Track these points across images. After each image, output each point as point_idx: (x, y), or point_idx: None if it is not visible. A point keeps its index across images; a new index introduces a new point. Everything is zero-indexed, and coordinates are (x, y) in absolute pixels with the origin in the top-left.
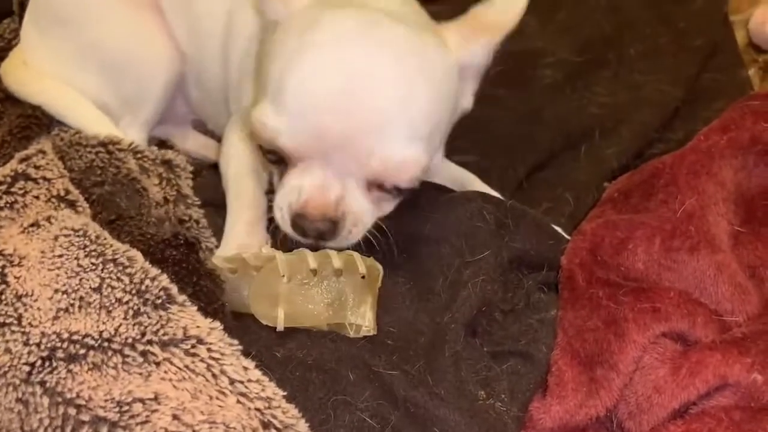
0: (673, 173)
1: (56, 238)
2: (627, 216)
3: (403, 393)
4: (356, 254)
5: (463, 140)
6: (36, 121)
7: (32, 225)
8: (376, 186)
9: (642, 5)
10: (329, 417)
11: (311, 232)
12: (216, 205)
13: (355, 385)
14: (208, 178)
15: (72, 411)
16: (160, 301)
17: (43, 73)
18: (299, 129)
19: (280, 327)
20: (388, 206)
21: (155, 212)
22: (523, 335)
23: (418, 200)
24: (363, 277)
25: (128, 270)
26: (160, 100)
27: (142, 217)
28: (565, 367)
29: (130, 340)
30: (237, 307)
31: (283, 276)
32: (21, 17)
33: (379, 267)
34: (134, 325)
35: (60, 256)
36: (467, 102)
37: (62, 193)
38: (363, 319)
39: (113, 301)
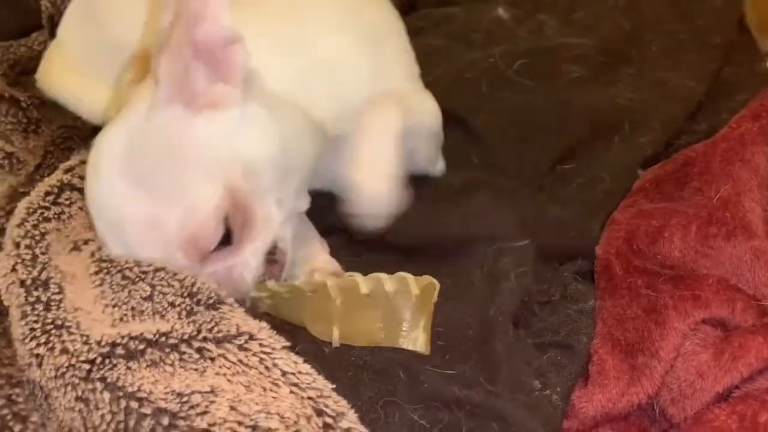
0: (706, 161)
1: (92, 254)
2: (662, 204)
3: (457, 392)
4: (409, 276)
5: (500, 118)
6: (77, 132)
7: (73, 248)
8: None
9: (660, 3)
10: (380, 416)
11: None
12: None
13: (407, 385)
14: None
15: (134, 404)
16: (211, 301)
17: (82, 77)
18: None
19: (336, 344)
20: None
21: None
22: (562, 326)
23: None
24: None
25: (178, 276)
26: None
27: None
28: (606, 356)
29: (186, 337)
30: (293, 321)
31: (336, 300)
32: (50, 30)
33: (435, 283)
34: (189, 323)
35: (97, 272)
36: (234, 95)
37: None
38: (415, 345)
39: (165, 305)
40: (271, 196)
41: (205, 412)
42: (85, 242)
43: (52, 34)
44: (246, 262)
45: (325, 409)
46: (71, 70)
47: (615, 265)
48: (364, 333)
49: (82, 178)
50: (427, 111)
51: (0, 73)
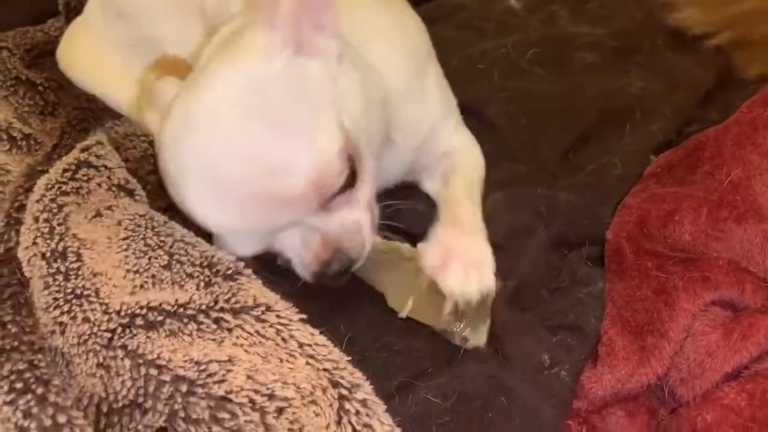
0: (717, 145)
1: (120, 222)
2: (673, 189)
3: (470, 365)
4: None
5: (513, 106)
6: (92, 114)
7: (95, 216)
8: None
9: None
10: (393, 396)
11: (336, 274)
12: None
13: (420, 362)
14: None
15: (154, 371)
16: (230, 272)
17: (104, 61)
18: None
19: (403, 315)
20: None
21: None
22: (571, 309)
23: None
24: None
25: (198, 247)
26: None
27: None
28: (615, 337)
29: (203, 307)
30: (374, 283)
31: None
32: (66, 17)
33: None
34: (207, 294)
35: (125, 238)
36: (333, 46)
37: (122, 182)
38: (481, 339)
39: (184, 276)
40: (367, 146)
41: (222, 380)
42: (108, 208)
43: (69, 20)
44: (363, 214)
45: (340, 380)
46: (95, 54)
47: (625, 249)
48: (435, 314)
49: (98, 156)
50: (472, 155)
51: (17, 56)
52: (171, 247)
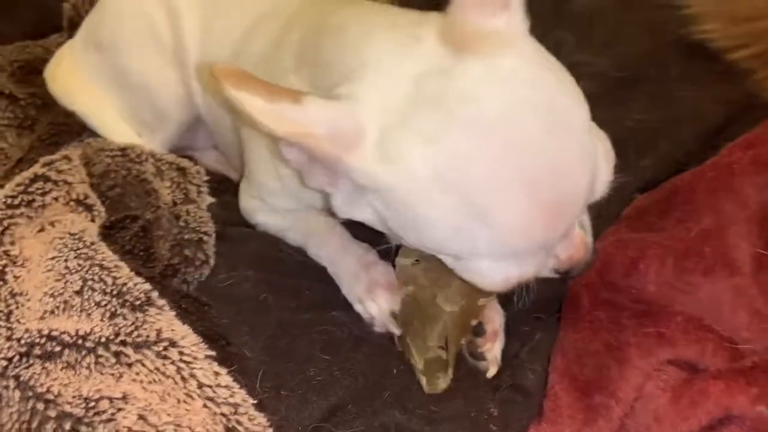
0: (691, 190)
1: (52, 240)
2: (640, 235)
3: (398, 416)
4: None
5: None
6: (66, 128)
7: (40, 230)
8: None
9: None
10: None
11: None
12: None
13: (339, 397)
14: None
15: (40, 405)
16: (139, 302)
17: (83, 82)
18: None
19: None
20: None
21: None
22: (509, 367)
23: None
24: None
25: (113, 273)
26: (176, 132)
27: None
28: (561, 393)
29: (103, 339)
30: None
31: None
32: (69, 33)
33: None
34: (110, 325)
35: (52, 258)
36: None
37: (81, 197)
38: (441, 386)
39: (92, 304)
40: None
41: (110, 420)
42: (51, 224)
43: (71, 37)
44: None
45: (237, 426)
46: (76, 77)
47: (583, 296)
48: (419, 340)
49: (60, 171)
50: None
51: (9, 71)
52: (87, 271)
